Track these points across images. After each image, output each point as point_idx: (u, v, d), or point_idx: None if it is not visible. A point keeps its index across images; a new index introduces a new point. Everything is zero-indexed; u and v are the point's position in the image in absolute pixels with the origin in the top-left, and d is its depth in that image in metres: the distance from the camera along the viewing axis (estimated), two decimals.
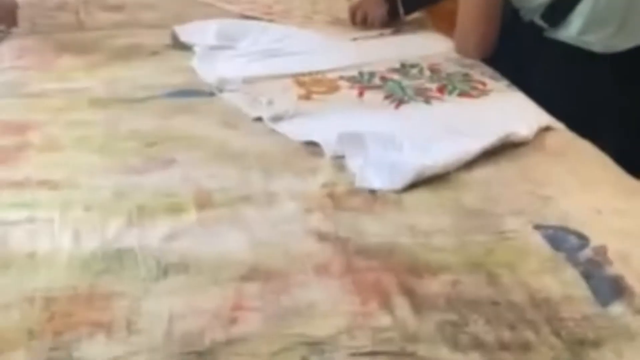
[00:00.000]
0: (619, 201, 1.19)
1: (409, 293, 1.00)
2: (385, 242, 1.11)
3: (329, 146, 1.35)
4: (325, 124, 1.44)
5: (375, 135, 1.36)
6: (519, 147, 1.36)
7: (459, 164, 1.29)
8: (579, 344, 0.91)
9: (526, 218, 1.16)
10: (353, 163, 1.30)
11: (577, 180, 1.26)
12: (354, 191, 1.24)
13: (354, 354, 0.90)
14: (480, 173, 1.28)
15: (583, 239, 1.10)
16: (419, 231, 1.13)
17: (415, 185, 1.24)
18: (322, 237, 1.12)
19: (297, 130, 1.43)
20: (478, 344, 0.91)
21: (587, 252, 1.07)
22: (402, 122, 1.45)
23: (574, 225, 1.13)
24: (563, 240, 1.10)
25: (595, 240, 1.09)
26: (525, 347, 0.91)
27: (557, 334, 0.93)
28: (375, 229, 1.14)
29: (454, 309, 0.97)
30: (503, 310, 0.97)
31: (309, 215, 1.17)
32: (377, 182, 1.25)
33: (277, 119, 1.47)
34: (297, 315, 0.96)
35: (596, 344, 0.91)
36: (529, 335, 0.93)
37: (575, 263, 1.06)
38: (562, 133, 1.42)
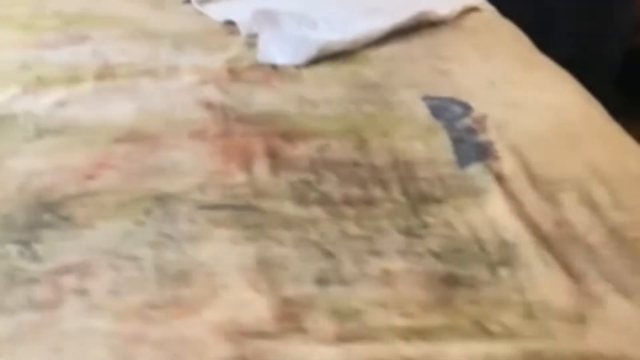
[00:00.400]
0: (516, 74, 1.18)
1: (273, 155, 1.00)
2: (269, 110, 1.11)
3: (245, 25, 1.34)
4: (248, 5, 1.42)
5: (290, 13, 1.35)
6: (436, 26, 1.34)
7: (368, 41, 1.27)
8: (423, 200, 0.90)
9: (419, 90, 1.14)
10: (263, 40, 1.29)
11: (479, 54, 1.24)
12: (257, 66, 1.23)
13: (198, 207, 0.90)
14: (388, 50, 1.27)
15: (467, 109, 1.09)
16: (307, 101, 1.13)
17: (318, 60, 1.23)
18: (208, 105, 1.12)
19: (221, 11, 1.42)
20: (324, 200, 0.91)
21: (466, 121, 1.06)
22: (323, 3, 1.43)
23: (464, 96, 1.12)
24: (445, 109, 1.09)
25: (479, 110, 1.08)
26: (369, 202, 0.90)
27: (405, 192, 0.92)
28: (265, 99, 1.14)
29: (312, 171, 0.97)
30: (361, 171, 0.97)
31: (203, 86, 1.17)
32: (279, 57, 1.24)
33: (204, 0, 1.46)
34: (156, 173, 0.97)
35: (439, 200, 0.90)
36: (377, 192, 0.92)
37: (451, 130, 1.04)
38: (486, 14, 1.39)
